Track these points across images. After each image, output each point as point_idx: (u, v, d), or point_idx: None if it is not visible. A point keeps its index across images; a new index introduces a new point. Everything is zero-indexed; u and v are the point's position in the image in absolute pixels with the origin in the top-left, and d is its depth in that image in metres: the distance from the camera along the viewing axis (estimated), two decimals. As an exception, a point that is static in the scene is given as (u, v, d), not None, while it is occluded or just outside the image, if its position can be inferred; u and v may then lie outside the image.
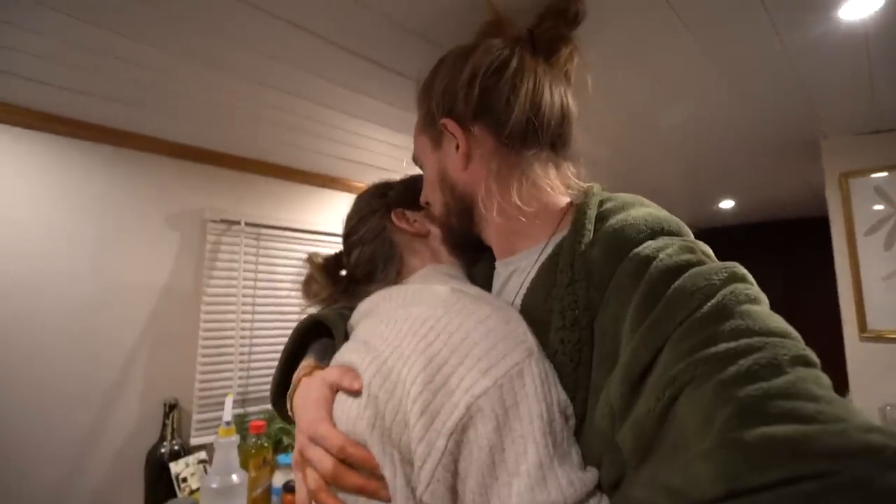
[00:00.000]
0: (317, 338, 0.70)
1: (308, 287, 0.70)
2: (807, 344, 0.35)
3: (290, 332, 0.72)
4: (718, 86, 1.22)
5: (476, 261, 0.67)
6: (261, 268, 1.75)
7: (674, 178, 2.14)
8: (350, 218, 0.71)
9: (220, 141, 1.58)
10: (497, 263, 0.62)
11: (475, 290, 0.53)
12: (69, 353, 1.35)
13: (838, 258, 1.65)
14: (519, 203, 0.54)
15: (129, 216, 1.49)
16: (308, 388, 0.55)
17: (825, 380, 0.31)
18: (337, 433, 0.48)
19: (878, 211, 1.57)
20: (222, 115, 1.35)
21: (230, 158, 1.68)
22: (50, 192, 1.35)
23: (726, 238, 3.07)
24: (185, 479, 1.43)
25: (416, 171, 0.71)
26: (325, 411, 0.51)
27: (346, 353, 0.53)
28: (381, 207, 0.68)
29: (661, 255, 0.43)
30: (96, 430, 1.38)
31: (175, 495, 1.39)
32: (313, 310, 0.71)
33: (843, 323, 1.62)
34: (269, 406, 1.67)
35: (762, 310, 0.37)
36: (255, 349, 1.70)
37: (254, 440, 1.41)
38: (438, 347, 0.43)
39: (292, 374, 0.65)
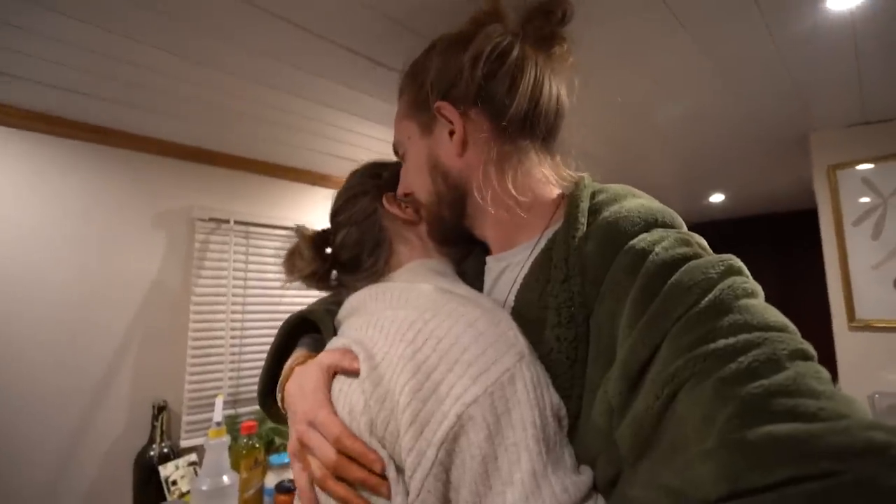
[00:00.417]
0: (304, 334, 0.68)
1: (292, 260, 0.65)
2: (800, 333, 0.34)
3: None
4: (713, 83, 1.23)
5: (465, 254, 0.66)
6: (251, 266, 1.73)
7: (667, 174, 2.16)
8: (339, 196, 0.67)
9: (209, 138, 1.55)
10: (488, 259, 0.61)
11: (464, 289, 0.51)
12: (55, 356, 1.32)
13: (827, 249, 1.66)
14: (514, 192, 0.53)
15: (115, 215, 1.46)
16: (303, 374, 0.53)
17: (825, 373, 0.31)
18: (336, 421, 0.46)
19: (865, 202, 1.59)
20: (210, 112, 1.33)
21: (219, 156, 1.66)
22: (33, 192, 1.32)
23: (717, 232, 3.09)
24: (174, 482, 1.40)
25: None
26: (324, 396, 0.49)
27: (340, 344, 0.52)
28: (374, 189, 0.65)
29: (657, 249, 0.42)
30: (84, 433, 1.36)
31: (164, 499, 1.37)
32: (300, 304, 0.69)
33: (832, 313, 1.64)
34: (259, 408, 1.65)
35: (759, 303, 0.36)
36: (245, 349, 1.68)
37: (245, 441, 1.39)
38: (427, 353, 0.42)
39: (280, 370, 0.63)
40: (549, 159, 0.57)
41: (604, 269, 0.45)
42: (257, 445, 1.42)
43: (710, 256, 0.41)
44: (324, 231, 0.68)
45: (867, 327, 1.56)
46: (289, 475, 1.35)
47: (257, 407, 1.69)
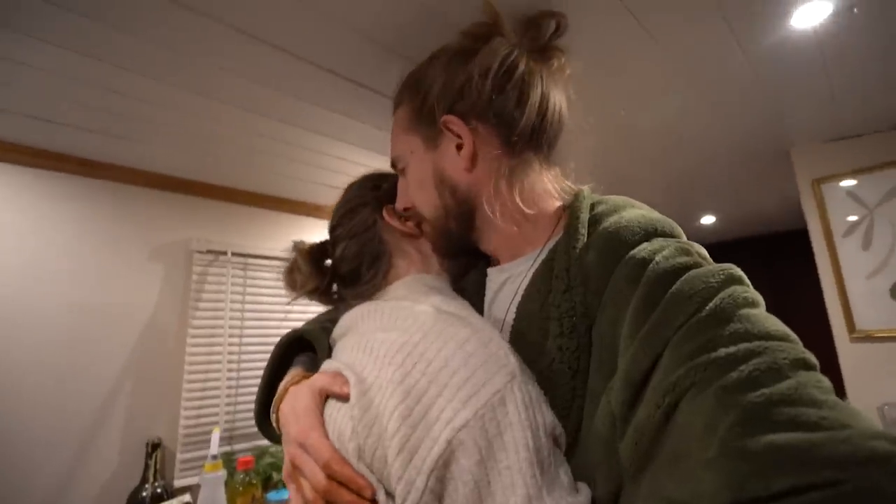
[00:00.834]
0: (300, 352, 0.68)
1: (291, 276, 0.65)
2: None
3: None
4: (687, 97, 1.28)
5: (465, 267, 0.66)
6: (248, 298, 1.72)
7: (655, 195, 2.20)
8: (338, 208, 0.67)
9: (206, 171, 1.59)
10: (490, 270, 0.61)
11: (455, 307, 0.51)
12: (46, 393, 1.30)
13: (820, 262, 1.68)
14: (521, 206, 0.54)
15: (111, 249, 1.47)
16: (296, 395, 0.53)
17: (826, 383, 0.31)
18: (326, 444, 0.46)
19: (853, 213, 1.62)
20: (207, 144, 1.37)
21: (216, 189, 1.69)
22: (28, 227, 1.34)
23: (710, 255, 3.12)
24: (168, 524, 1.34)
25: None
26: (316, 419, 0.49)
27: (332, 367, 0.52)
28: (373, 201, 0.64)
29: (658, 258, 0.42)
30: (75, 472, 1.31)
31: (157, 541, 1.31)
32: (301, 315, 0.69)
33: (831, 326, 1.64)
34: (257, 442, 1.60)
35: (760, 312, 0.37)
36: (241, 382, 1.65)
37: (241, 477, 1.35)
38: (416, 378, 0.42)
39: (276, 389, 0.63)
40: (551, 171, 0.59)
41: (605, 278, 0.46)
42: (254, 482, 1.37)
43: (711, 266, 0.42)
44: (321, 244, 0.68)
45: (868, 338, 1.55)
46: (287, 511, 1.30)
47: (255, 443, 1.64)
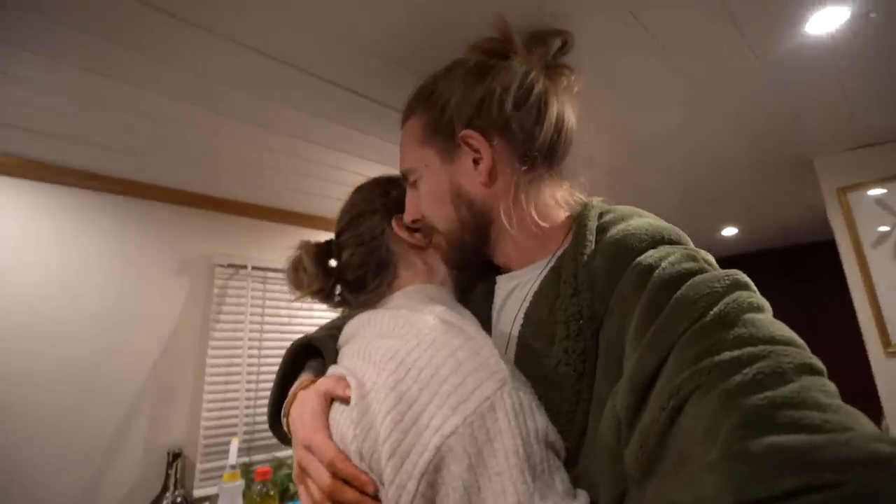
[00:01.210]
0: (310, 358, 0.69)
1: (297, 274, 0.64)
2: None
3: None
4: (701, 107, 1.27)
5: (474, 280, 0.66)
6: (267, 311, 1.76)
7: (673, 207, 2.17)
8: (345, 212, 0.67)
9: (226, 188, 1.64)
10: (499, 278, 0.62)
11: (453, 316, 0.51)
12: (74, 402, 1.34)
13: (850, 274, 1.62)
14: (536, 218, 0.56)
15: (136, 264, 1.52)
16: (304, 400, 0.55)
17: (831, 387, 0.31)
18: (330, 445, 0.47)
19: (882, 222, 1.57)
20: (228, 162, 1.42)
21: (236, 204, 1.74)
22: (61, 244, 1.40)
23: (733, 267, 3.03)
24: (186, 533, 1.36)
25: None
26: (321, 422, 0.50)
27: (336, 372, 0.53)
28: (382, 208, 0.64)
29: (664, 264, 0.43)
30: (100, 480, 1.34)
31: (176, 551, 1.32)
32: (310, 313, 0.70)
33: (864, 341, 1.57)
34: (275, 453, 1.62)
35: (766, 317, 0.37)
36: (260, 394, 1.67)
37: (259, 487, 1.36)
38: (408, 384, 0.43)
39: (286, 391, 0.64)
40: (562, 184, 0.60)
41: (612, 284, 0.46)
42: (271, 493, 1.38)
43: (717, 271, 0.42)
44: (327, 244, 0.68)
45: (904, 352, 1.48)
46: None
47: (273, 454, 1.65)
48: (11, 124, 1.14)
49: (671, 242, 0.48)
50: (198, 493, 1.47)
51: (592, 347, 0.46)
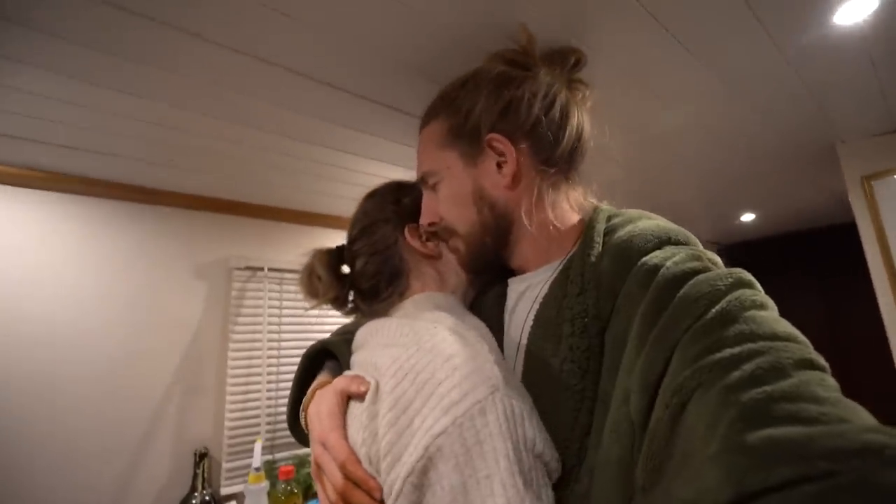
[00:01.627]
0: (328, 360, 0.71)
1: (311, 283, 0.66)
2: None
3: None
4: (722, 97, 1.23)
5: (486, 285, 0.67)
6: (285, 311, 1.78)
7: (691, 196, 2.13)
8: (358, 220, 0.67)
9: (242, 191, 1.65)
10: (511, 280, 0.63)
11: (452, 322, 0.52)
12: (103, 406, 1.38)
13: (872, 264, 1.58)
14: (555, 222, 0.58)
15: (157, 270, 1.55)
16: (321, 398, 0.56)
17: (831, 382, 0.31)
18: (343, 447, 0.48)
19: (908, 211, 1.52)
20: (243, 166, 1.42)
21: (252, 207, 1.75)
22: (83, 252, 1.42)
23: (752, 252, 3.00)
24: (216, 531, 1.40)
25: None
26: (338, 421, 0.51)
27: (351, 374, 0.55)
28: (394, 217, 0.65)
29: (668, 264, 0.44)
30: (129, 483, 1.39)
31: (207, 548, 1.37)
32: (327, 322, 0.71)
33: (888, 334, 1.54)
34: (297, 451, 1.65)
35: (769, 315, 0.37)
36: (281, 393, 1.70)
37: (283, 486, 1.39)
38: (405, 388, 0.44)
39: (304, 393, 0.66)
40: (577, 189, 0.62)
41: (618, 283, 0.47)
42: (295, 491, 1.42)
43: (720, 270, 0.43)
44: (339, 251, 0.68)
45: (929, 346, 1.45)
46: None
47: (295, 451, 1.69)
48: (34, 139, 1.17)
49: (678, 243, 0.49)
50: (224, 491, 1.52)
51: (597, 345, 0.47)
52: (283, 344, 1.75)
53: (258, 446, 1.32)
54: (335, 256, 0.68)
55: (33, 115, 1.05)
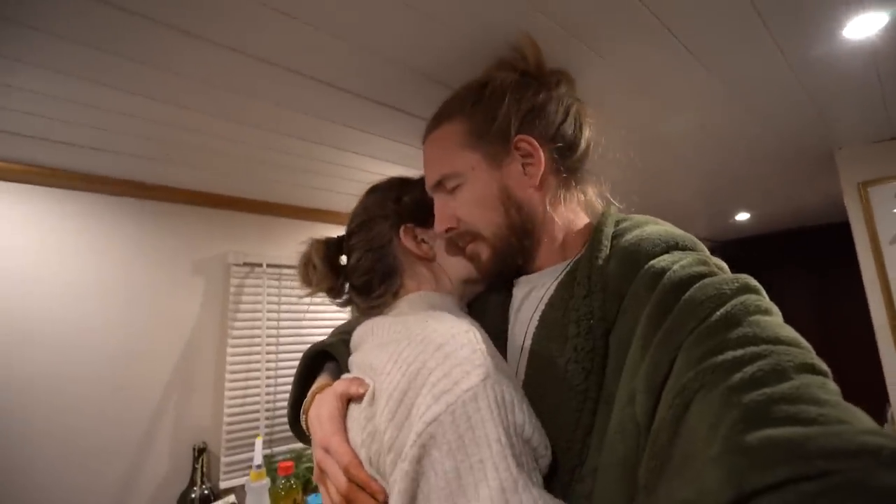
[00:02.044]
0: (328, 361, 0.71)
1: (306, 270, 0.66)
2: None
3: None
4: (725, 101, 1.23)
5: (492, 284, 0.67)
6: (283, 307, 1.78)
7: (689, 196, 2.14)
8: (357, 214, 0.67)
9: (240, 187, 1.63)
10: (516, 280, 0.64)
11: (444, 315, 0.52)
12: (103, 404, 1.38)
13: (865, 270, 1.61)
14: (569, 224, 0.60)
15: (156, 266, 1.53)
16: (321, 402, 0.57)
17: (832, 386, 0.32)
18: (346, 450, 0.49)
19: (902, 218, 1.54)
20: (241, 163, 1.40)
21: (250, 203, 1.73)
22: (80, 249, 1.40)
23: (746, 249, 3.03)
24: (216, 525, 1.42)
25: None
26: (338, 424, 0.52)
27: (351, 376, 0.56)
28: (394, 215, 0.64)
29: (675, 267, 0.44)
30: (129, 479, 1.40)
31: (207, 542, 1.39)
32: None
33: (876, 335, 1.58)
34: (296, 445, 1.67)
35: (772, 320, 0.37)
36: (279, 388, 1.71)
37: (283, 482, 1.41)
38: (397, 381, 0.44)
39: (304, 394, 0.67)
40: (586, 192, 0.64)
41: (625, 285, 0.48)
42: (295, 486, 1.44)
43: (726, 275, 0.43)
44: (337, 242, 0.68)
45: (916, 349, 1.49)
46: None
47: (294, 445, 1.71)
48: (30, 135, 1.14)
49: (685, 249, 0.50)
50: (224, 484, 1.53)
51: (601, 347, 0.47)
52: (282, 339, 1.75)
53: (259, 444, 1.33)
54: (333, 247, 0.68)
55: (30, 111, 1.03)
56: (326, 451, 0.51)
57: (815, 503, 0.24)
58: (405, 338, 0.48)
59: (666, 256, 0.47)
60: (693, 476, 0.31)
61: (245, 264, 1.69)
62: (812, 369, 0.32)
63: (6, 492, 1.20)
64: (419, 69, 0.96)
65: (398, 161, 1.45)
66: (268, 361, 1.70)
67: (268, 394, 1.67)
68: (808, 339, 0.37)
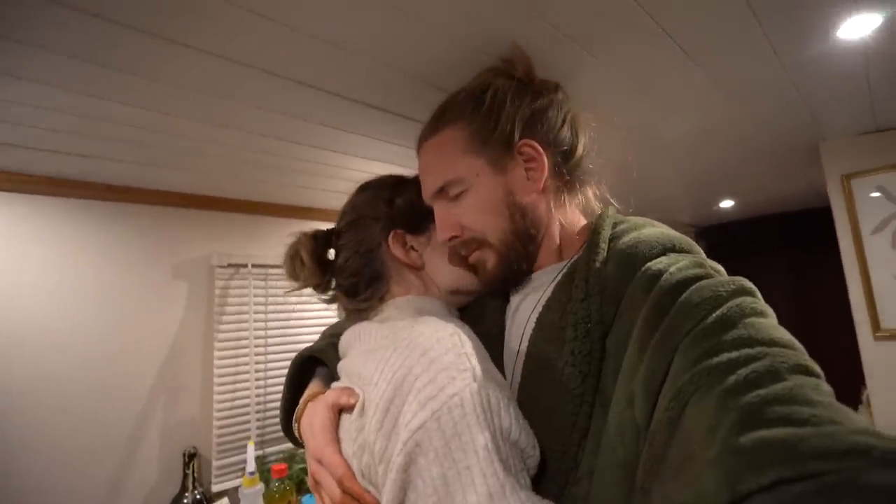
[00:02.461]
0: (318, 365, 0.71)
1: (293, 265, 0.64)
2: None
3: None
4: (720, 104, 1.23)
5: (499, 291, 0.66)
6: (270, 308, 1.74)
7: (675, 186, 2.15)
8: (347, 213, 0.65)
9: (223, 187, 1.57)
10: None
11: (430, 320, 0.51)
12: (86, 411, 1.34)
13: (846, 258, 1.65)
14: (568, 226, 0.60)
15: (138, 269, 1.48)
16: (313, 411, 0.56)
17: (825, 387, 0.32)
18: (339, 461, 0.49)
19: (883, 209, 1.57)
20: (224, 164, 1.35)
21: (234, 202, 1.68)
22: (60, 254, 1.35)
23: (729, 234, 3.08)
24: (210, 531, 1.42)
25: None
26: (331, 435, 0.52)
27: (341, 385, 0.55)
28: (385, 218, 0.63)
29: (672, 270, 0.44)
30: (118, 485, 1.38)
31: (201, 547, 1.38)
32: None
33: (855, 324, 1.62)
34: (289, 445, 1.66)
35: (767, 322, 0.38)
36: (269, 389, 1.69)
37: (276, 485, 1.41)
38: (383, 389, 0.43)
39: (296, 400, 0.67)
40: (583, 194, 0.64)
41: (622, 289, 0.48)
42: (289, 488, 1.43)
43: (722, 277, 0.43)
44: (325, 235, 0.67)
45: (894, 337, 1.54)
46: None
47: (286, 446, 1.69)
48: (9, 143, 1.08)
49: (681, 251, 0.50)
50: (216, 488, 1.52)
51: (598, 350, 0.47)
52: (270, 340, 1.73)
53: (251, 449, 1.32)
54: (321, 242, 0.66)
55: (12, 121, 0.98)
56: (320, 462, 0.51)
57: (809, 503, 0.24)
58: (392, 343, 0.47)
59: (663, 259, 0.47)
60: (690, 479, 0.31)
61: (230, 265, 1.65)
62: (806, 371, 0.33)
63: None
64: (407, 71, 0.93)
65: (383, 159, 1.41)
66: (257, 363, 1.67)
67: (258, 395, 1.65)
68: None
